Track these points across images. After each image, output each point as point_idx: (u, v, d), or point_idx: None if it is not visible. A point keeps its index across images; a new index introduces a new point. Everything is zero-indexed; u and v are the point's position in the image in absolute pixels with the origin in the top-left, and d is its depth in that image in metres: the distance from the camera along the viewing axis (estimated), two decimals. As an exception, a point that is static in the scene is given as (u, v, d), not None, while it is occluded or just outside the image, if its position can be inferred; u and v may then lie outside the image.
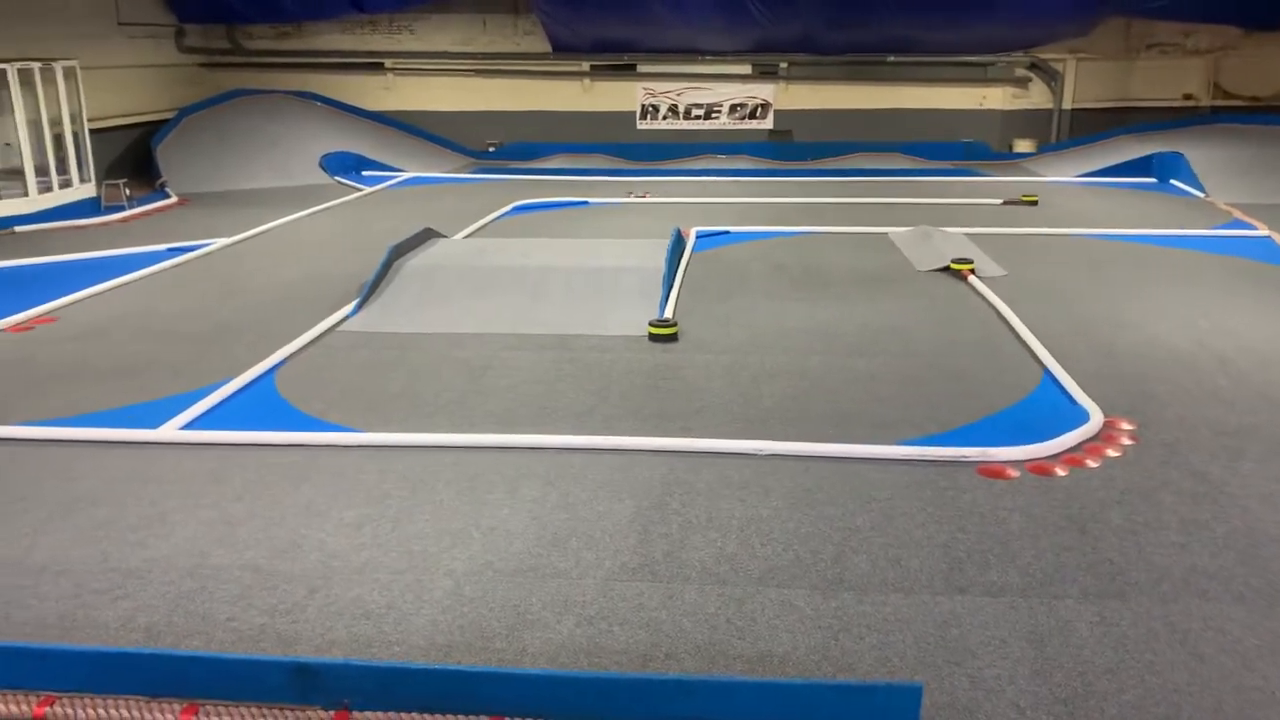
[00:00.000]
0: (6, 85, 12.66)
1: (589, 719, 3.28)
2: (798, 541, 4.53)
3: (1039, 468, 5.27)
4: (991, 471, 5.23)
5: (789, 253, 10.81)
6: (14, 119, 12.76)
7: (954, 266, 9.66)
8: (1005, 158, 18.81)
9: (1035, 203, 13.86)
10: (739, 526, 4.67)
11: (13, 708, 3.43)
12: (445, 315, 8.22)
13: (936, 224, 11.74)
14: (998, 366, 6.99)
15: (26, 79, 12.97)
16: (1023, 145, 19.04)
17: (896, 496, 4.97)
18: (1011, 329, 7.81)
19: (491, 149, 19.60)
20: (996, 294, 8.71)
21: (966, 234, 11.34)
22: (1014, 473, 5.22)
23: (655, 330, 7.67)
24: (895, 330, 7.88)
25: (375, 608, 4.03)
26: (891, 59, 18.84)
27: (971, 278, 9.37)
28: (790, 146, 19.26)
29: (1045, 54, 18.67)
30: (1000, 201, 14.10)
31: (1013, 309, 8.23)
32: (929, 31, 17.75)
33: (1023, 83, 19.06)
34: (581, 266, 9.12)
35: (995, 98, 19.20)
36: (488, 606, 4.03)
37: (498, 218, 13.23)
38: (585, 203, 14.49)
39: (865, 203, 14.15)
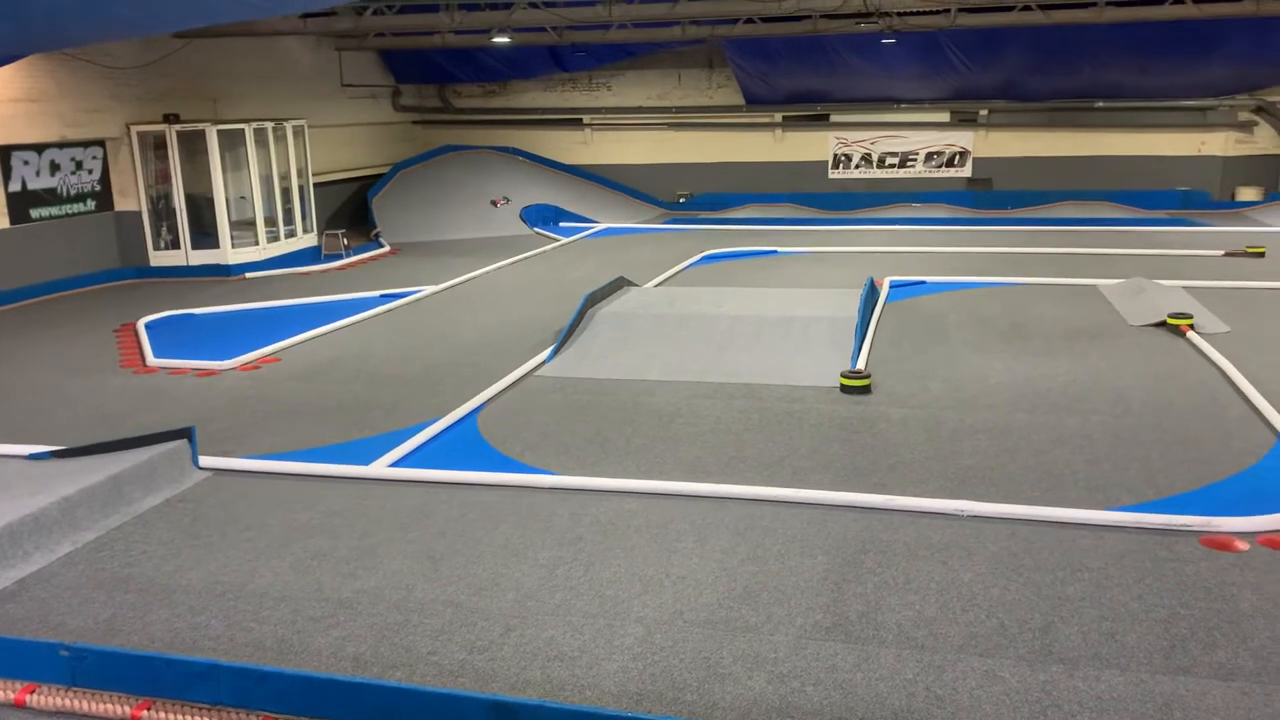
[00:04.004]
0: (244, 143, 13.84)
1: (781, 780, 3.21)
2: (1002, 609, 4.31)
3: (1273, 541, 4.84)
4: (1217, 543, 4.84)
5: (989, 304, 10.44)
6: (249, 174, 13.92)
7: (1171, 321, 9.08)
8: (1227, 207, 17.66)
9: (1263, 254, 12.92)
10: (939, 590, 4.49)
11: (235, 724, 3.66)
12: (637, 362, 8.35)
13: (1151, 276, 11.09)
14: (1222, 430, 6.49)
15: (261, 138, 14.16)
16: (1247, 193, 17.82)
17: (1110, 565, 4.67)
18: (1237, 389, 7.25)
19: (682, 200, 19.93)
20: (1220, 351, 8.13)
21: (1185, 287, 10.66)
22: (1243, 545, 4.81)
23: (848, 381, 7.53)
24: (1107, 388, 7.46)
25: (568, 650, 4.08)
26: (1100, 104, 18.04)
27: (1191, 334, 8.78)
28: (990, 195, 18.70)
29: (1275, 96, 17.45)
30: (1222, 253, 13.21)
31: (1238, 368, 7.65)
32: (1143, 76, 16.97)
33: (1247, 127, 17.84)
34: (772, 315, 9.09)
35: (1215, 143, 18.07)
36: (678, 657, 4.02)
37: (688, 266, 13.39)
38: (775, 251, 14.48)
39: (1072, 253, 13.55)
